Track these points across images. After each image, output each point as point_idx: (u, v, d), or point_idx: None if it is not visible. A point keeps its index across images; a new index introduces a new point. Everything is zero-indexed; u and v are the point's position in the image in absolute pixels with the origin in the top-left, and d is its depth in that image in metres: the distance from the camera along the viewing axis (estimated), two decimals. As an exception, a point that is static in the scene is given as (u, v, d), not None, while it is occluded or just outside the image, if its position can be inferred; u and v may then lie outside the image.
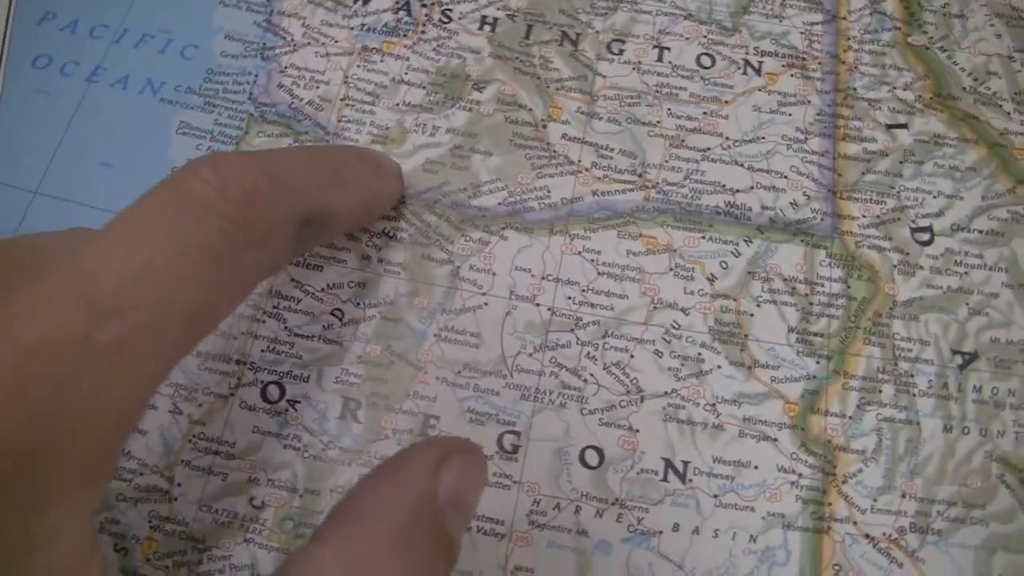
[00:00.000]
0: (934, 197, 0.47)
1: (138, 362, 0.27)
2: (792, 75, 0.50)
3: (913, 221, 0.46)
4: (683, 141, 0.47)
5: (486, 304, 0.43)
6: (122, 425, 0.28)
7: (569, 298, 0.43)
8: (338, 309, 0.43)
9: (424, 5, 0.51)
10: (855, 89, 0.50)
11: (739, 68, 0.50)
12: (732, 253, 0.45)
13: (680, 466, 0.41)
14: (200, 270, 0.29)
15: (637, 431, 0.41)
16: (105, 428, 0.27)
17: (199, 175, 0.30)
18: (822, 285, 0.45)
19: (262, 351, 0.43)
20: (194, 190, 0.30)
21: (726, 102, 0.49)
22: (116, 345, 0.26)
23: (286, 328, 0.43)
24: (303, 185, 0.35)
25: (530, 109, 0.48)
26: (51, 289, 0.25)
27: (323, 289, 0.43)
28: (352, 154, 0.41)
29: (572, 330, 0.43)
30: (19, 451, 0.24)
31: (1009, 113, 0.48)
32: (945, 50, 0.51)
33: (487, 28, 0.51)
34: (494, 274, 0.44)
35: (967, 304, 0.45)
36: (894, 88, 0.50)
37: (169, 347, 0.29)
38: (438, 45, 0.50)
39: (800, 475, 0.41)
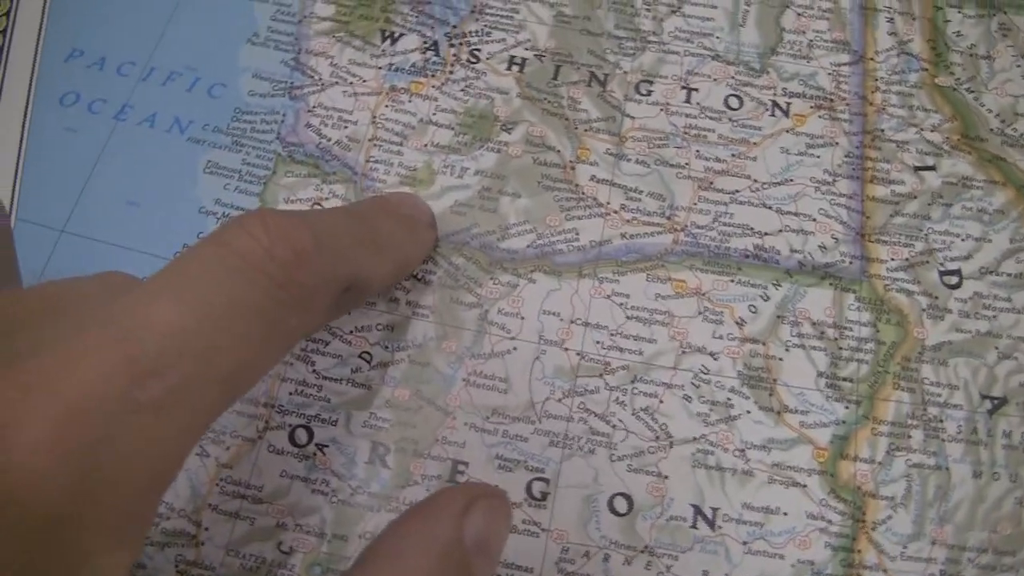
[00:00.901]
0: (962, 240, 0.47)
1: (176, 421, 0.27)
2: (820, 116, 0.50)
3: (941, 264, 0.46)
4: (711, 183, 0.48)
5: (515, 349, 0.43)
6: (159, 482, 0.28)
7: (598, 342, 0.43)
8: (367, 352, 0.43)
9: (452, 45, 0.52)
10: (883, 131, 0.50)
11: (767, 109, 0.50)
12: (761, 297, 0.45)
13: (709, 513, 0.41)
14: (242, 330, 0.29)
15: (666, 477, 0.41)
16: (143, 485, 0.26)
17: (248, 231, 0.30)
18: (851, 329, 0.45)
19: (290, 394, 0.43)
20: (242, 247, 0.30)
21: (754, 144, 0.49)
22: (155, 404, 0.26)
23: (314, 371, 0.43)
24: (346, 250, 0.35)
25: (558, 151, 0.48)
26: (94, 345, 0.25)
27: (351, 332, 0.43)
28: (387, 215, 0.41)
29: (601, 375, 0.43)
30: (60, 507, 0.23)
31: (1037, 155, 0.48)
32: (972, 91, 0.51)
33: (515, 68, 0.51)
34: (523, 318, 0.44)
35: (996, 348, 0.46)
36: (922, 130, 0.50)
37: (207, 406, 0.29)
38: (466, 86, 0.50)
39: (830, 522, 0.41)
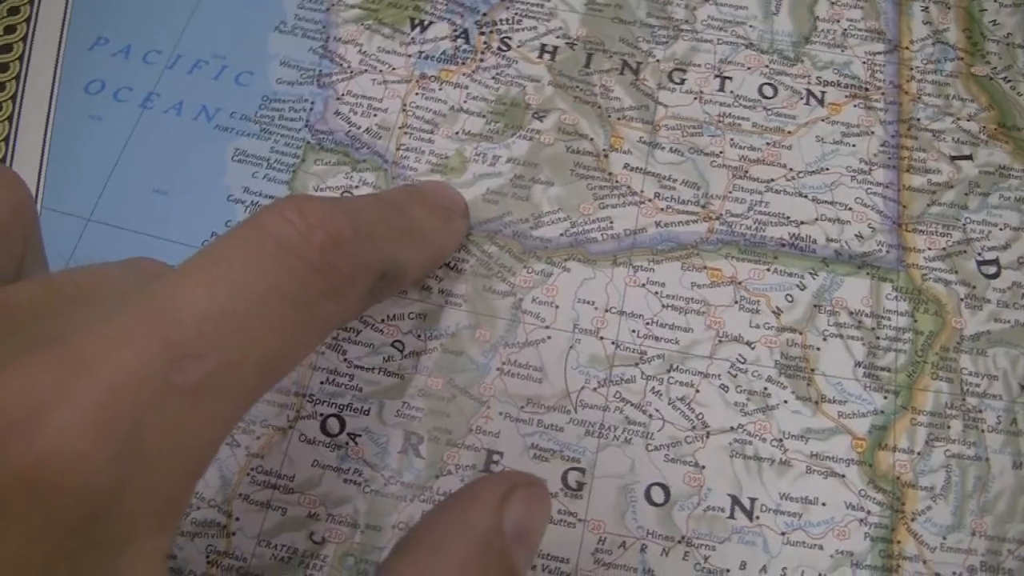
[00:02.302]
0: (1000, 229, 0.47)
1: (213, 406, 0.27)
2: (855, 105, 0.50)
3: (979, 254, 0.46)
4: (746, 172, 0.48)
5: (549, 338, 0.43)
6: (196, 468, 0.28)
7: (633, 331, 0.43)
8: (399, 341, 0.44)
9: (483, 33, 0.52)
10: (919, 120, 0.50)
11: (802, 98, 0.50)
12: (797, 286, 0.45)
13: (747, 503, 0.41)
14: (278, 316, 0.29)
15: (703, 467, 0.41)
16: (180, 471, 0.27)
17: (284, 216, 0.30)
18: (888, 319, 0.45)
19: (321, 383, 0.43)
20: (279, 232, 0.29)
21: (789, 132, 0.49)
22: (193, 388, 0.26)
23: (346, 360, 0.43)
24: (381, 237, 0.35)
25: (591, 139, 0.48)
26: (131, 328, 0.25)
27: (383, 320, 0.44)
28: (421, 203, 0.42)
29: (636, 364, 0.43)
30: (99, 490, 0.23)
31: (1074, 144, 0.48)
32: (1009, 80, 0.51)
33: (547, 56, 0.51)
34: (557, 307, 0.44)
35: (1035, 338, 0.44)
36: (958, 119, 0.50)
37: (243, 392, 0.29)
38: (497, 73, 0.51)
39: (868, 512, 0.41)
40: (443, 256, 0.45)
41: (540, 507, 0.33)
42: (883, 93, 0.49)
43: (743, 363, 0.43)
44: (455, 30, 0.51)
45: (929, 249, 0.46)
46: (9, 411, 0.23)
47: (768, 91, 0.49)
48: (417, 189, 0.45)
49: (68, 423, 0.23)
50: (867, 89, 0.49)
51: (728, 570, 0.41)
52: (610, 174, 0.47)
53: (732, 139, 0.47)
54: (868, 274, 0.45)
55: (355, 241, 0.32)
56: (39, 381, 0.23)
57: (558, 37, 0.50)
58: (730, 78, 0.50)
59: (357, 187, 0.46)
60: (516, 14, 0.51)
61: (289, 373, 0.31)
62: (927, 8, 0.52)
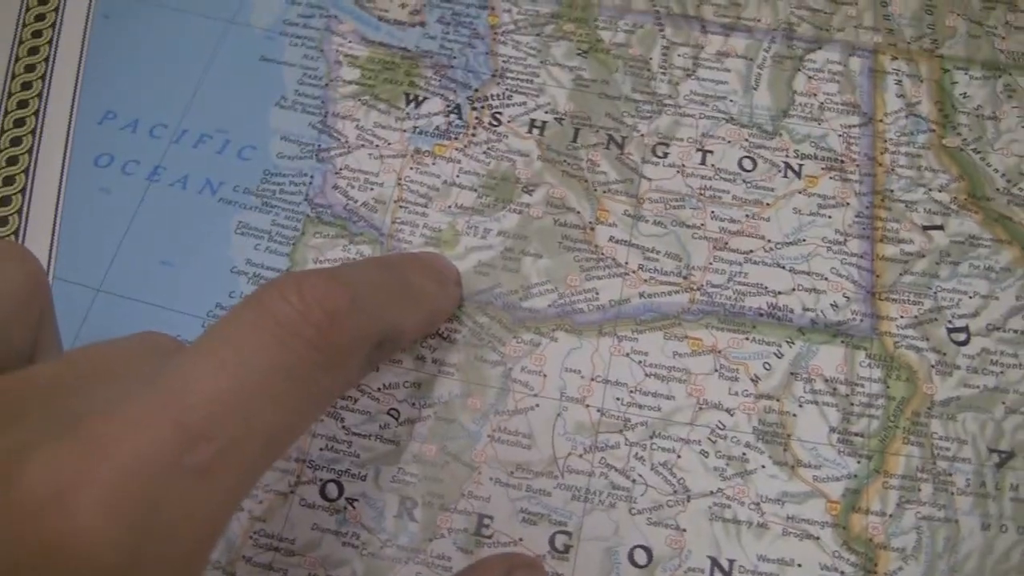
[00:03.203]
0: (970, 297, 0.50)
1: (222, 483, 0.28)
2: (831, 177, 0.53)
3: (950, 321, 0.49)
4: (726, 243, 0.51)
5: (537, 406, 0.46)
6: (207, 543, 0.29)
7: (618, 399, 0.46)
8: (394, 409, 0.46)
9: (475, 108, 0.55)
10: (892, 191, 0.53)
11: (780, 171, 0.53)
12: (775, 354, 0.48)
13: (726, 564, 0.44)
14: (281, 393, 0.31)
15: (684, 530, 0.44)
16: (192, 546, 0.28)
17: (283, 295, 0.32)
18: (862, 386, 0.48)
19: (321, 449, 0.46)
20: (278, 311, 0.31)
21: (767, 205, 0.52)
22: (203, 467, 0.27)
23: (344, 427, 0.46)
24: (379, 306, 0.37)
25: (578, 212, 0.51)
26: (144, 411, 0.27)
27: (379, 389, 0.46)
28: (417, 268, 0.44)
29: (621, 431, 0.46)
30: (116, 565, 0.25)
31: (1042, 214, 0.51)
32: (979, 151, 0.54)
33: (536, 131, 0.54)
34: (545, 375, 0.47)
35: (1003, 403, 0.49)
36: (930, 190, 0.53)
37: (251, 467, 0.30)
38: (488, 148, 0.53)
39: (842, 573, 0.44)
40: (439, 319, 0.48)
41: None
42: (858, 165, 0.52)
43: (723, 429, 0.46)
44: (448, 106, 0.54)
45: (901, 317, 0.49)
46: (37, 492, 0.25)
47: (748, 164, 0.52)
48: (414, 255, 0.48)
49: (87, 504, 0.25)
50: (843, 161, 0.52)
51: (708, 629, 0.43)
52: (596, 246, 0.49)
53: (713, 211, 0.50)
54: (843, 342, 0.48)
55: (352, 314, 0.33)
56: (63, 465, 0.25)
57: (547, 112, 0.53)
58: (711, 151, 0.52)
59: (354, 259, 0.49)
60: (507, 90, 0.54)
61: (293, 444, 0.34)
62: (900, 81, 0.55)
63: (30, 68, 0.55)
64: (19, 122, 0.53)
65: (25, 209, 0.50)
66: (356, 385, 0.45)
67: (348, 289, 0.34)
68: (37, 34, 0.57)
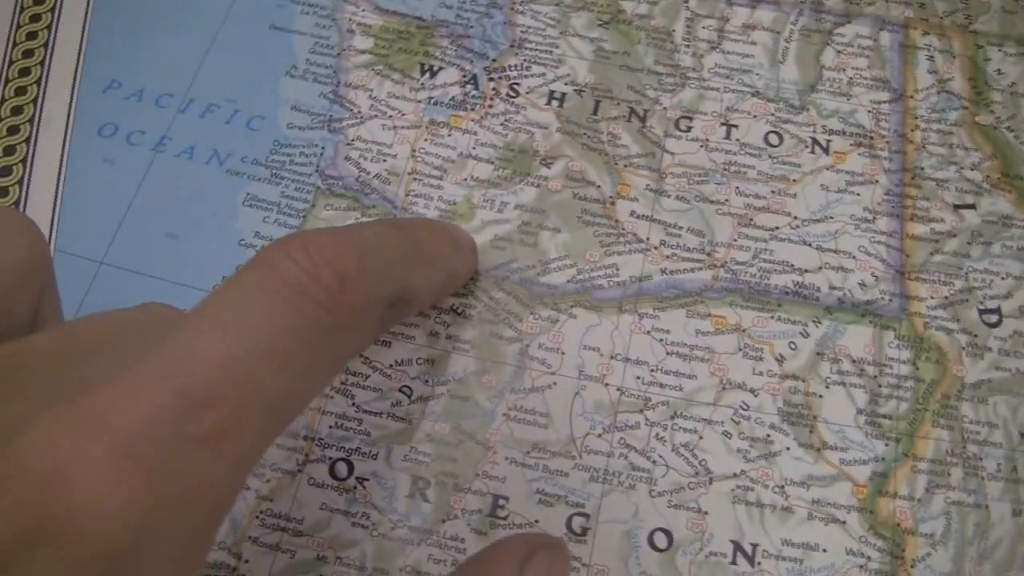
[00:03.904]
0: (1002, 278, 0.49)
1: (228, 452, 0.28)
2: (860, 154, 0.52)
3: (981, 303, 0.48)
4: (751, 220, 0.50)
5: (555, 384, 0.45)
6: (215, 515, 0.29)
7: (638, 378, 0.45)
8: (406, 386, 0.46)
9: (492, 79, 0.54)
10: (923, 169, 0.52)
11: (807, 147, 0.52)
12: (801, 334, 0.47)
13: (749, 549, 0.43)
14: (289, 357, 0.30)
15: (706, 513, 0.43)
16: (199, 519, 0.28)
17: (290, 256, 0.31)
18: (890, 367, 0.47)
19: (330, 427, 0.45)
20: (285, 271, 0.30)
21: (794, 181, 0.51)
22: (207, 436, 0.27)
23: (354, 404, 0.45)
24: (390, 266, 0.36)
25: (598, 186, 0.50)
26: (145, 380, 0.26)
27: (391, 365, 0.46)
28: (432, 230, 0.44)
29: (641, 411, 0.45)
30: (122, 544, 0.24)
31: (1076, 194, 0.50)
32: (1012, 130, 0.54)
33: (555, 103, 0.53)
34: (563, 353, 0.46)
35: (1036, 387, 0.46)
36: (961, 168, 0.52)
37: (258, 435, 0.29)
38: (506, 120, 0.53)
39: (869, 559, 0.43)
40: (454, 282, 0.48)
41: (561, 570, 0.35)
42: (888, 142, 0.51)
43: (746, 410, 0.45)
44: (464, 76, 0.53)
45: (931, 298, 0.48)
46: (35, 467, 0.24)
47: (774, 139, 0.52)
48: (427, 219, 0.47)
49: (90, 479, 0.24)
50: (872, 138, 0.51)
51: (729, 615, 0.43)
52: (616, 221, 0.49)
53: (737, 187, 0.50)
54: (871, 322, 0.47)
55: (362, 275, 0.33)
56: (61, 438, 0.25)
57: (566, 84, 0.52)
58: (736, 126, 0.52)
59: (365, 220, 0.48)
60: (525, 60, 0.53)
61: (303, 410, 0.33)
62: (932, 57, 0.54)
63: (32, 35, 0.55)
64: (20, 90, 0.53)
65: (26, 179, 0.50)
66: (368, 347, 0.44)
67: (358, 249, 0.33)
68: (39, 0, 0.56)
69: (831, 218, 0.50)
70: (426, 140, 0.52)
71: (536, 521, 0.43)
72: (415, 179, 0.51)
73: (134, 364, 0.27)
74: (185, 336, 0.28)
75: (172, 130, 0.52)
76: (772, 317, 0.47)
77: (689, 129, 0.52)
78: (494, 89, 0.53)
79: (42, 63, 0.55)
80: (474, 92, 0.53)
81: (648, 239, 0.49)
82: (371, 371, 0.46)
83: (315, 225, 0.49)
